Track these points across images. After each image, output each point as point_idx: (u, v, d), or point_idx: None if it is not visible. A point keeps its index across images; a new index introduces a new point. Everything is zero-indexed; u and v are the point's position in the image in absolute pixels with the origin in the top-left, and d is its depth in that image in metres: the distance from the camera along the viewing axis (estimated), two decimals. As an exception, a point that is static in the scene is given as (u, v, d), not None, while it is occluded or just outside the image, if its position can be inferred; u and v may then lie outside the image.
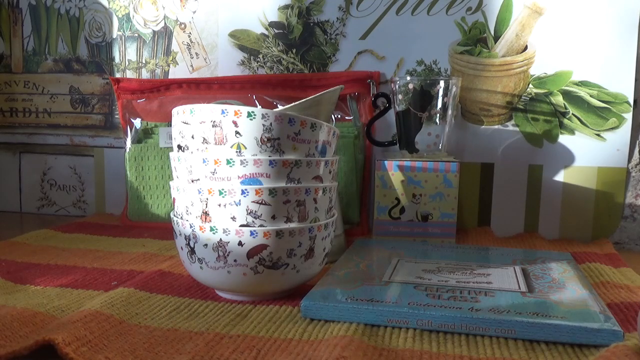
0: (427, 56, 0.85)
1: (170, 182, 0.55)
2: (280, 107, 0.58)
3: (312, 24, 0.88)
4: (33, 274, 0.61)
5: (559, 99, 0.81)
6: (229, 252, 0.50)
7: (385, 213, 0.76)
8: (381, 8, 0.86)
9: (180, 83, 0.90)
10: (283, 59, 0.90)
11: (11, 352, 0.40)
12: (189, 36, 0.93)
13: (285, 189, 0.50)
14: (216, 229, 0.50)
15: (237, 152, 0.49)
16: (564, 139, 0.82)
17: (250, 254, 0.50)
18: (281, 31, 0.89)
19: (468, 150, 0.85)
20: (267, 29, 0.90)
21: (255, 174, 0.49)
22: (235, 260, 0.50)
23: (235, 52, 0.91)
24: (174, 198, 0.55)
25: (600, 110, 0.80)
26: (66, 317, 0.46)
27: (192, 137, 0.51)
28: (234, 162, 0.49)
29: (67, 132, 1.00)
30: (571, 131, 0.82)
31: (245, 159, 0.49)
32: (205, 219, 0.51)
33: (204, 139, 0.50)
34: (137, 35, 0.96)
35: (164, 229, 0.85)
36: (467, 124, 0.85)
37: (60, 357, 0.40)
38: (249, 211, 0.49)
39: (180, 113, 0.52)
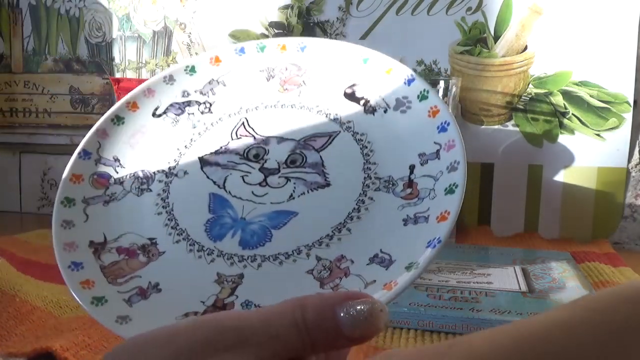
0: (427, 56, 0.85)
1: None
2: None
3: (312, 24, 0.88)
4: (34, 271, 0.61)
5: (559, 99, 0.81)
6: None
7: (385, 213, 0.75)
8: (381, 8, 0.86)
9: (180, 83, 0.90)
10: (283, 59, 0.90)
11: (8, 353, 0.40)
12: (189, 36, 0.93)
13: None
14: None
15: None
16: (564, 139, 0.82)
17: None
18: (281, 31, 0.89)
19: (468, 150, 0.84)
20: (267, 29, 0.90)
21: None
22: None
23: (235, 52, 0.91)
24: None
25: (600, 110, 0.80)
26: (64, 321, 0.46)
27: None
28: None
29: (67, 132, 1.00)
30: (571, 131, 0.82)
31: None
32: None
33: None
34: (137, 35, 0.96)
35: (164, 229, 0.85)
36: (467, 124, 0.85)
37: None
38: None
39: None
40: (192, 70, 0.44)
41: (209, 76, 0.44)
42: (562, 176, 0.82)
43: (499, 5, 0.82)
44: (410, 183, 0.36)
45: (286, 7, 0.89)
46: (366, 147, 0.38)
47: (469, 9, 0.83)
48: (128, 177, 0.40)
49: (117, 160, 0.41)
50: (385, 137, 0.39)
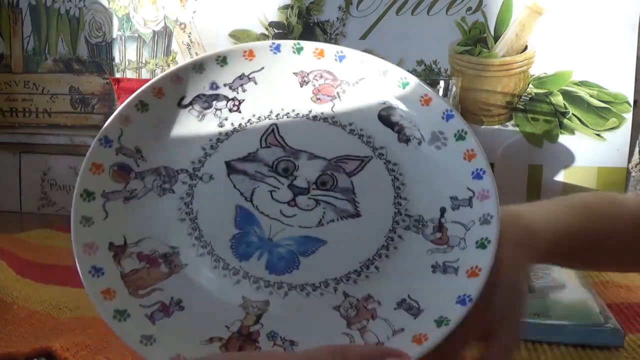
0: (427, 56, 0.85)
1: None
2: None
3: (312, 24, 0.88)
4: (33, 273, 0.61)
5: (559, 99, 0.81)
6: None
7: (385, 213, 0.75)
8: (381, 8, 0.86)
9: (180, 83, 0.90)
10: (283, 59, 0.90)
11: (7, 353, 0.40)
12: (189, 36, 0.93)
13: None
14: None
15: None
16: (564, 139, 0.82)
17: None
18: (281, 31, 0.89)
19: (468, 150, 0.85)
20: (267, 29, 0.90)
21: None
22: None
23: (235, 52, 0.91)
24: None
25: (600, 110, 0.80)
26: (64, 322, 0.46)
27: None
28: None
29: (67, 132, 1.00)
30: (571, 131, 0.82)
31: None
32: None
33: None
34: (137, 35, 0.95)
35: (164, 229, 0.85)
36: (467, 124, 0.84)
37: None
38: None
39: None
40: (224, 61, 0.42)
41: (240, 70, 0.42)
42: (562, 176, 0.82)
43: (499, 5, 0.82)
44: (440, 227, 0.35)
45: (286, 7, 0.89)
46: (398, 180, 0.37)
47: (469, 9, 0.83)
48: (149, 172, 0.38)
49: (139, 151, 0.39)
50: (418, 171, 0.37)
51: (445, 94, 0.74)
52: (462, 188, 0.36)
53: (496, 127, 0.84)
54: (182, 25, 0.93)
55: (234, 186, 0.37)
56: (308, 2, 0.88)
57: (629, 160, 0.81)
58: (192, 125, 0.40)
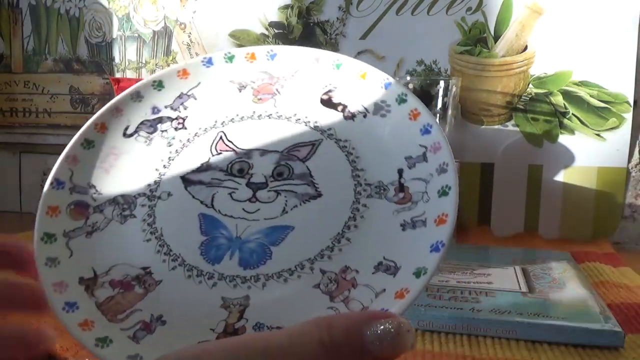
0: (427, 56, 0.85)
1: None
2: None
3: (312, 24, 0.88)
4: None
5: (559, 99, 0.81)
6: None
7: (385, 213, 0.75)
8: (381, 8, 0.86)
9: (180, 83, 0.90)
10: (283, 59, 0.90)
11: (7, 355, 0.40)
12: (189, 36, 0.93)
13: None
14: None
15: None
16: (564, 139, 0.82)
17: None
18: (281, 31, 0.89)
19: (468, 150, 0.85)
20: (267, 29, 0.90)
21: None
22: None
23: (235, 52, 0.91)
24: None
25: (600, 110, 0.80)
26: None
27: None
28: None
29: (67, 132, 1.00)
30: (571, 131, 0.82)
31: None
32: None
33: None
34: (137, 35, 0.95)
35: (164, 229, 0.85)
36: (467, 124, 0.85)
37: None
38: None
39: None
40: (160, 85, 0.43)
41: (178, 90, 0.43)
42: (562, 176, 0.82)
43: (499, 5, 0.82)
44: (401, 187, 0.36)
45: (286, 7, 0.89)
46: (351, 154, 0.38)
47: (469, 9, 0.83)
48: (107, 203, 0.38)
49: (92, 186, 0.39)
50: (368, 142, 0.38)
51: (445, 94, 0.74)
52: (414, 146, 0.37)
53: (496, 127, 0.84)
54: (182, 25, 0.93)
55: (193, 197, 0.38)
56: (308, 2, 0.88)
57: (629, 160, 0.81)
58: (141, 151, 0.41)
